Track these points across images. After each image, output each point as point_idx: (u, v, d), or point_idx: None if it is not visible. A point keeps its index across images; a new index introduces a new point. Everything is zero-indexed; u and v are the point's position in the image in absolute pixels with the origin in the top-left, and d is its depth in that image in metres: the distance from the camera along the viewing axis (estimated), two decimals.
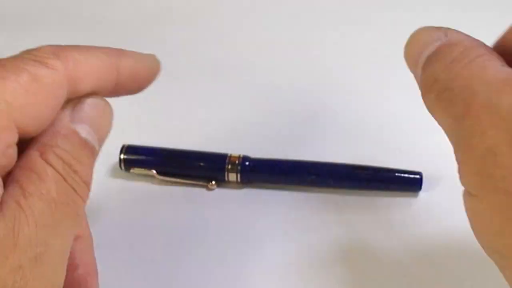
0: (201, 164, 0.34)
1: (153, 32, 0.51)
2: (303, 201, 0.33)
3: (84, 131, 0.19)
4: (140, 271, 0.29)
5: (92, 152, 0.20)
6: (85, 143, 0.19)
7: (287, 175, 0.34)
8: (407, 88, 0.43)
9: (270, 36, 0.50)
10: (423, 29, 0.20)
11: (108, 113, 0.21)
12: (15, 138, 0.17)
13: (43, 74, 0.18)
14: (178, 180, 0.34)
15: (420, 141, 0.37)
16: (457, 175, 0.34)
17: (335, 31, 0.50)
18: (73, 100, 0.20)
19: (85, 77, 0.19)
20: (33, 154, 0.18)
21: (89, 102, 0.20)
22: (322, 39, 0.49)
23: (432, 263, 0.29)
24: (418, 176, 0.32)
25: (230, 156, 0.34)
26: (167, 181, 0.34)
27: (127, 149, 0.34)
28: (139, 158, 0.34)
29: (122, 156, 0.34)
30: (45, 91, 0.18)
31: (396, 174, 0.33)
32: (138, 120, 0.40)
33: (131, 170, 0.34)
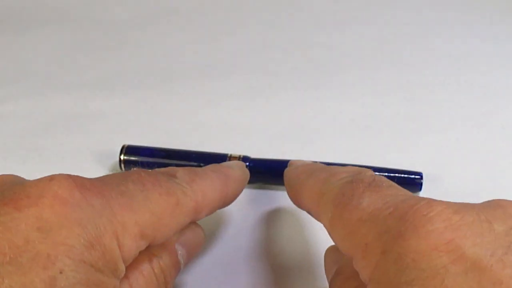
0: (201, 164, 0.34)
1: (153, 32, 0.51)
2: None
3: (180, 252, 0.23)
4: None
5: (179, 270, 0.23)
6: (178, 263, 0.23)
7: None
8: (407, 88, 0.43)
9: (270, 36, 0.50)
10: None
11: (202, 238, 0.25)
12: (146, 245, 0.20)
13: (184, 202, 0.21)
14: None
15: (420, 141, 0.37)
16: (457, 176, 0.34)
17: (336, 31, 0.50)
18: None
19: (205, 208, 0.23)
20: (144, 259, 0.21)
21: (191, 227, 0.24)
22: (322, 39, 0.49)
23: None
24: (418, 176, 0.32)
25: (230, 156, 0.34)
26: None
27: (127, 150, 0.34)
28: (139, 159, 0.34)
29: (122, 157, 0.34)
30: (182, 215, 0.21)
31: (396, 174, 0.33)
32: (138, 120, 0.40)
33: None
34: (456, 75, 0.44)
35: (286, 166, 0.34)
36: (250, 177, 0.33)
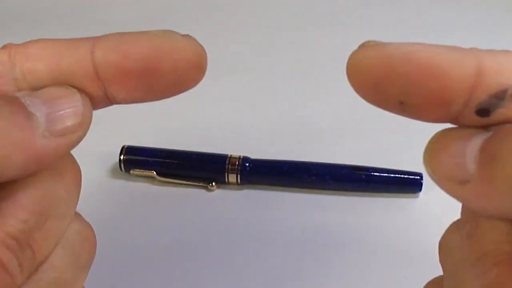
0: (201, 165, 0.34)
1: None
2: (303, 202, 0.33)
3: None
4: (140, 271, 0.29)
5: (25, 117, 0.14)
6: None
7: (287, 176, 0.34)
8: None
9: (270, 37, 0.50)
10: (444, 131, 0.14)
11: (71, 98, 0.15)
12: None
13: None
14: (178, 181, 0.34)
15: (420, 141, 0.37)
16: None
17: (335, 31, 0.50)
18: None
19: (35, 57, 0.15)
20: None
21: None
22: (323, 40, 0.49)
23: (432, 264, 0.29)
24: (418, 177, 0.32)
25: (230, 157, 0.33)
26: (167, 182, 0.34)
27: (127, 150, 0.34)
28: (139, 159, 0.34)
29: (122, 157, 0.34)
30: None
31: (396, 175, 0.33)
32: (138, 121, 0.40)
33: (131, 171, 0.34)
34: None
35: (286, 167, 0.34)
36: (250, 178, 0.33)
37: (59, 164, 0.16)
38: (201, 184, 0.34)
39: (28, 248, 0.14)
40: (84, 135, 0.16)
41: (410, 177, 0.33)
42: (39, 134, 0.14)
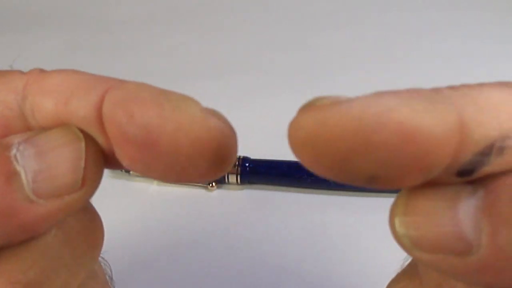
0: None
1: (153, 33, 0.51)
2: (303, 202, 0.33)
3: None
4: (140, 272, 0.29)
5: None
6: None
7: (286, 176, 0.34)
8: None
9: (270, 36, 0.50)
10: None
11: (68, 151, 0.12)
12: None
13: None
14: None
15: None
16: None
17: (335, 31, 0.50)
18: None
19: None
20: None
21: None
22: (322, 39, 0.49)
23: None
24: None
25: None
26: (167, 182, 0.34)
27: None
28: None
29: None
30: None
31: None
32: None
33: (131, 171, 0.34)
34: (456, 75, 0.44)
35: (286, 167, 0.34)
36: (250, 178, 0.33)
37: (71, 222, 0.13)
38: (201, 184, 0.34)
39: None
40: (90, 195, 0.13)
41: None
42: (23, 197, 0.11)
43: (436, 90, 0.11)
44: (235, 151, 0.12)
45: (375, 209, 0.33)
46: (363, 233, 0.31)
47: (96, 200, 0.35)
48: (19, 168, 0.11)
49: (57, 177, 0.12)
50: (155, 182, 0.34)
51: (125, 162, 0.12)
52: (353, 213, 0.32)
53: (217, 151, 0.12)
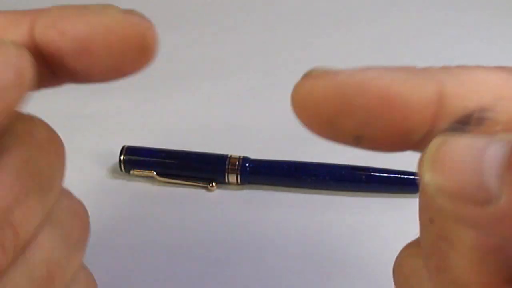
0: (201, 165, 0.34)
1: None
2: (303, 202, 0.33)
3: None
4: (140, 272, 0.29)
5: None
6: None
7: (287, 176, 0.34)
8: None
9: (270, 36, 0.50)
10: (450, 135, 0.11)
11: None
12: None
13: None
14: (178, 181, 0.34)
15: None
16: None
17: (336, 31, 0.50)
18: None
19: None
20: None
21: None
22: (323, 39, 0.49)
23: None
24: (418, 177, 0.32)
25: (230, 157, 0.33)
26: (167, 183, 0.34)
27: (127, 150, 0.34)
28: (139, 159, 0.34)
29: (122, 157, 0.34)
30: None
31: (396, 175, 0.33)
32: (138, 121, 0.40)
33: (131, 172, 0.34)
34: None
35: (286, 167, 0.34)
36: (250, 178, 0.33)
37: (38, 135, 0.15)
38: (201, 184, 0.34)
39: (8, 227, 0.13)
40: (22, 95, 0.13)
41: (410, 177, 0.33)
42: None
43: (423, 68, 0.13)
44: (157, 39, 0.14)
45: (375, 209, 0.33)
46: (363, 233, 0.31)
47: (96, 200, 0.35)
48: None
49: None
50: (155, 182, 0.34)
51: (65, 76, 0.14)
52: (353, 213, 0.32)
53: (143, 42, 0.14)
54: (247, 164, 0.33)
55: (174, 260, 0.30)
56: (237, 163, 0.33)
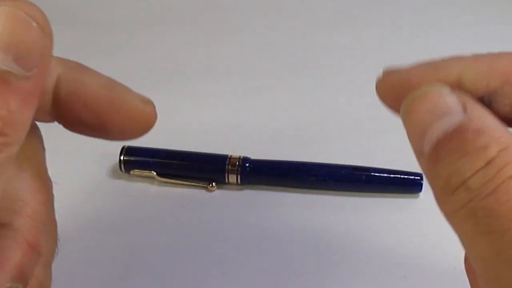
0: (201, 165, 0.34)
1: (153, 33, 0.51)
2: (303, 202, 0.33)
3: None
4: (140, 272, 0.29)
5: (3, 82, 0.13)
6: None
7: (287, 176, 0.34)
8: None
9: (270, 37, 0.50)
10: (432, 88, 0.16)
11: (23, 18, 0.13)
12: None
13: None
14: (178, 181, 0.34)
15: None
16: None
17: (336, 31, 0.50)
18: None
19: None
20: None
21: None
22: (322, 39, 0.49)
23: (432, 263, 0.29)
24: (418, 178, 0.32)
25: (230, 158, 0.33)
26: (167, 183, 0.34)
27: (127, 151, 0.34)
28: (139, 160, 0.34)
29: (122, 158, 0.34)
30: None
31: (397, 175, 0.33)
32: None
33: (131, 172, 0.34)
34: None
35: (286, 168, 0.34)
36: (251, 178, 0.33)
37: None
38: (201, 184, 0.34)
39: None
40: (17, 146, 0.14)
41: (411, 177, 0.33)
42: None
43: (447, 58, 0.17)
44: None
45: (375, 209, 0.33)
46: (363, 233, 0.31)
47: (96, 200, 0.35)
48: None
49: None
50: (155, 182, 0.34)
51: (67, 121, 0.17)
52: (353, 213, 0.32)
53: (150, 125, 0.18)
54: (247, 164, 0.33)
55: (174, 260, 0.30)
56: (237, 163, 0.33)
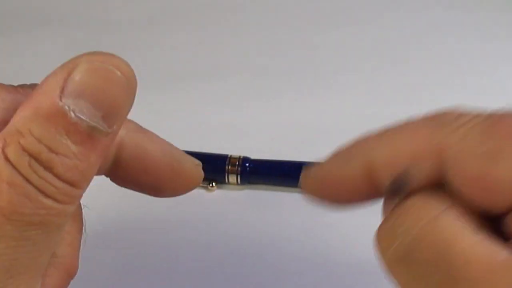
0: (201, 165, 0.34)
1: (153, 33, 0.51)
2: (303, 202, 0.33)
3: (77, 108, 0.13)
4: (140, 272, 0.29)
5: (88, 137, 0.13)
6: (74, 126, 0.13)
7: (287, 176, 0.33)
8: (407, 89, 0.43)
9: (270, 37, 0.50)
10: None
11: (116, 77, 0.14)
12: None
13: None
14: None
15: None
16: None
17: (336, 31, 0.50)
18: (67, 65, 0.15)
19: None
20: None
21: (84, 65, 0.15)
22: (322, 39, 0.49)
23: None
24: None
25: (230, 157, 0.33)
26: None
27: None
28: None
29: None
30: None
31: None
32: (138, 121, 0.39)
33: None
34: (457, 75, 0.44)
35: (286, 167, 0.34)
36: (250, 178, 0.33)
37: None
38: (201, 184, 0.34)
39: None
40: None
41: None
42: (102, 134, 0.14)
43: (355, 143, 0.18)
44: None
45: (375, 209, 0.32)
46: (363, 233, 0.31)
47: (96, 201, 0.34)
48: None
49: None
50: None
51: (123, 183, 0.19)
52: (353, 213, 0.32)
53: (197, 185, 0.19)
54: (247, 164, 0.33)
55: (174, 260, 0.30)
56: (237, 163, 0.33)
